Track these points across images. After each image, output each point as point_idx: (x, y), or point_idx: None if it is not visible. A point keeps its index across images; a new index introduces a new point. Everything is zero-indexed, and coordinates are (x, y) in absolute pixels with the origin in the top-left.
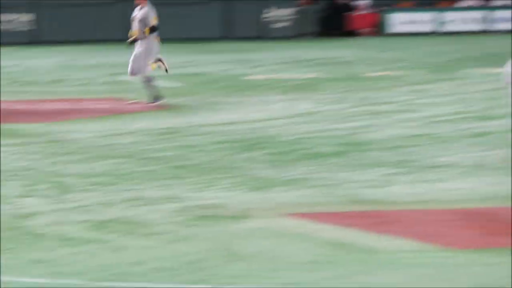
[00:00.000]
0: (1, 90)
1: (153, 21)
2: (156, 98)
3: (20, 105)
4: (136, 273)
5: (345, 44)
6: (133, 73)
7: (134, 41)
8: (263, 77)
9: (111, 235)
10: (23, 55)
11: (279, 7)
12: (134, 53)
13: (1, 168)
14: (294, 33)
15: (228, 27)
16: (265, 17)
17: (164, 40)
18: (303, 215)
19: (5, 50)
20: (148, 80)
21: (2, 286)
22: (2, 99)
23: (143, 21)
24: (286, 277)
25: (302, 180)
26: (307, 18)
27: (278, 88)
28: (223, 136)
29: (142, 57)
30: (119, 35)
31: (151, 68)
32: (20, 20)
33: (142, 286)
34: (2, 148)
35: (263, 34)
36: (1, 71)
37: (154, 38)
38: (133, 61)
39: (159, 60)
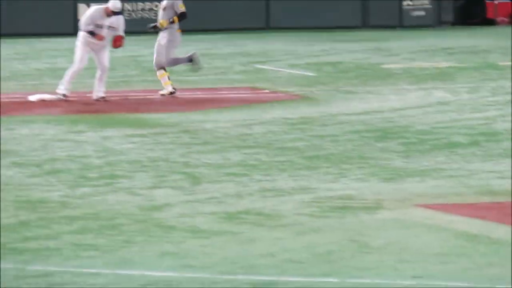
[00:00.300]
0: (136, 80)
1: (181, 8)
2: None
3: (153, 94)
4: (265, 266)
5: (481, 33)
6: (156, 66)
7: (156, 30)
8: (399, 66)
9: (242, 226)
10: None
11: None
12: (156, 44)
13: (132, 159)
14: (432, 22)
15: (367, 16)
16: (403, 6)
17: (302, 29)
18: (435, 206)
19: (140, 39)
20: (175, 63)
21: (132, 279)
22: (136, 88)
23: (171, 8)
24: (417, 268)
25: (435, 170)
26: (444, 7)
27: (413, 77)
28: (357, 126)
29: (163, 50)
30: (258, 23)
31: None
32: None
33: (272, 279)
34: (134, 139)
35: (401, 23)
36: (137, 60)
37: (177, 29)
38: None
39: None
